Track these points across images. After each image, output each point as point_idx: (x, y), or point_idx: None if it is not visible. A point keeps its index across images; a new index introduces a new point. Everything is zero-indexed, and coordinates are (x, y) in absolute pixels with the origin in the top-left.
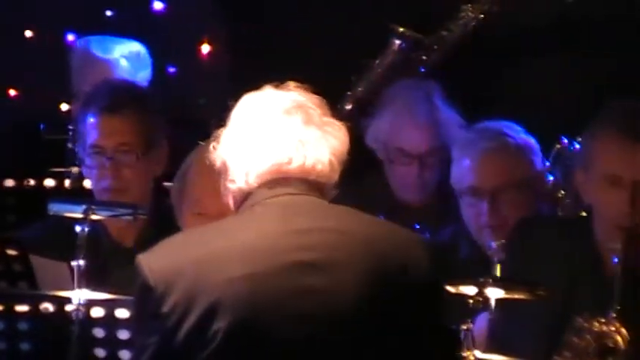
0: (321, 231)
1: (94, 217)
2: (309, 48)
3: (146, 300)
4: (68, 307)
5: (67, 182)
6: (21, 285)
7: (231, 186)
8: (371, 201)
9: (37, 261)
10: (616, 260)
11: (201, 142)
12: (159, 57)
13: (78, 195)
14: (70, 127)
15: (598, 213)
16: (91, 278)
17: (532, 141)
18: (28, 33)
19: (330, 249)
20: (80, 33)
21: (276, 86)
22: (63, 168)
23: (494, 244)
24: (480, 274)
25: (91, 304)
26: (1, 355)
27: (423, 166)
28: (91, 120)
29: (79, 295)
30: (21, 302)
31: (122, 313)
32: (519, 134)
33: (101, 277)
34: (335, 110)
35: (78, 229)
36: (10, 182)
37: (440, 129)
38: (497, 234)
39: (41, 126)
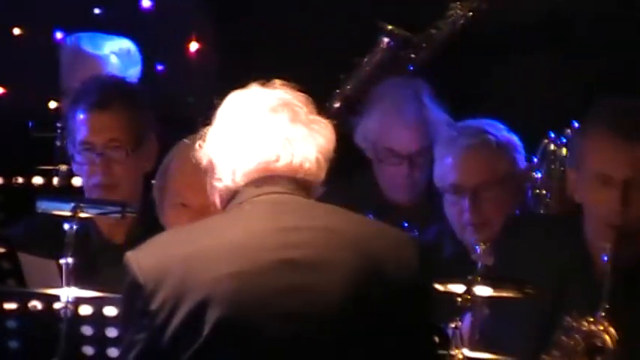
0: (309, 229)
1: (82, 214)
2: (298, 46)
3: (135, 297)
4: (56, 305)
5: (55, 180)
6: (9, 283)
7: (218, 184)
8: (360, 200)
9: (25, 259)
10: (606, 259)
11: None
12: (147, 55)
13: (66, 193)
14: (59, 125)
15: (588, 212)
16: (80, 275)
17: (514, 138)
18: (17, 31)
19: (317, 247)
20: (68, 30)
21: (262, 84)
22: (51, 166)
23: (478, 249)
24: (463, 273)
25: (79, 301)
26: None
27: (412, 166)
28: (81, 116)
29: (67, 293)
30: (9, 300)
31: (110, 311)
32: (501, 132)
33: (91, 274)
34: (323, 108)
35: (66, 226)
36: None
37: (429, 128)
38: (479, 232)
39: (29, 124)
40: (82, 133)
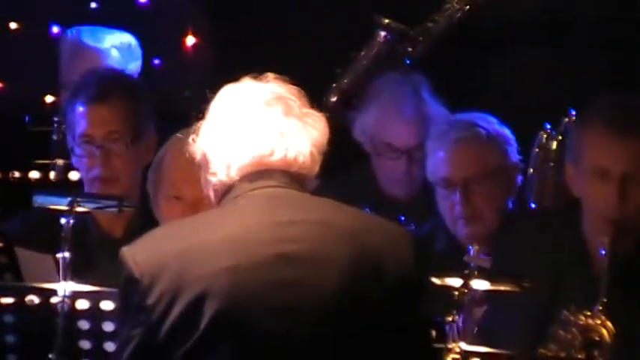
0: (305, 223)
1: (79, 209)
2: (295, 40)
3: (131, 292)
4: (53, 300)
5: (52, 174)
6: (6, 277)
7: (212, 179)
8: (357, 193)
9: (22, 253)
10: (603, 253)
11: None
12: (143, 49)
13: (63, 187)
14: (56, 119)
15: (586, 206)
16: (78, 269)
17: (506, 131)
18: (13, 25)
19: (313, 241)
20: (65, 25)
21: (255, 77)
22: (48, 160)
23: (472, 250)
24: (455, 267)
25: (76, 296)
26: None
27: (410, 161)
28: (80, 109)
29: (64, 287)
30: (6, 294)
31: (107, 305)
32: (492, 125)
33: (89, 267)
34: (320, 102)
35: (63, 221)
36: None
37: (428, 123)
38: (471, 225)
39: (26, 118)
40: (81, 126)
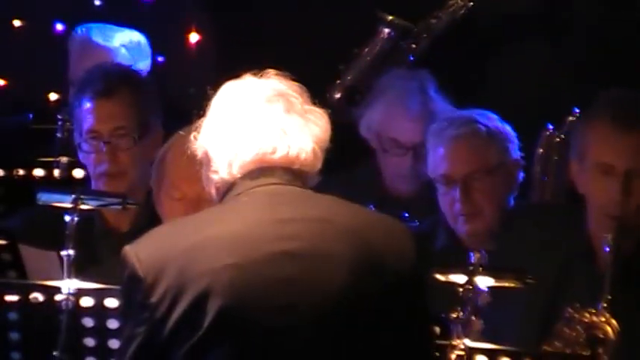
0: (306, 220)
1: (83, 206)
2: (298, 36)
3: (135, 290)
4: (57, 297)
5: (56, 172)
6: (10, 274)
7: (214, 176)
8: (361, 191)
9: (26, 250)
10: (607, 250)
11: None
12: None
13: (67, 185)
14: (59, 117)
15: (591, 202)
16: (84, 265)
17: (507, 128)
18: (17, 22)
19: (314, 238)
20: (69, 22)
21: (256, 74)
22: (52, 158)
23: (472, 256)
24: (455, 263)
25: (80, 293)
26: None
27: (416, 157)
28: (87, 105)
29: (68, 285)
30: (10, 292)
31: (111, 303)
32: (492, 121)
33: (95, 263)
34: (324, 99)
35: (67, 218)
36: None
37: (434, 120)
38: (471, 222)
39: (30, 115)
40: (88, 122)
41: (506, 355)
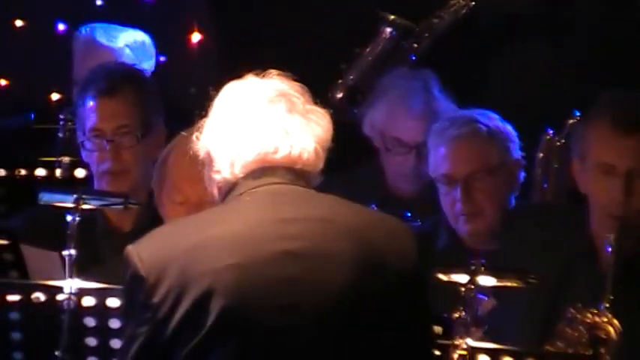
0: (309, 220)
1: (84, 206)
2: (299, 36)
3: (137, 290)
4: (59, 297)
5: (57, 172)
6: (12, 274)
7: (217, 177)
8: (364, 190)
9: (28, 250)
10: (609, 250)
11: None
12: None
13: (69, 185)
14: (61, 117)
15: (592, 202)
16: (86, 265)
17: (508, 128)
18: (19, 22)
19: (316, 238)
20: (71, 22)
21: (258, 74)
22: (54, 158)
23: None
24: (456, 263)
25: (82, 293)
26: None
27: (419, 157)
28: (90, 103)
29: (70, 285)
30: (12, 292)
31: (113, 302)
32: (493, 121)
33: (97, 262)
34: (325, 99)
35: (69, 218)
36: (0, 172)
37: (437, 119)
38: (472, 222)
39: (31, 115)
40: (91, 120)
41: (509, 355)
